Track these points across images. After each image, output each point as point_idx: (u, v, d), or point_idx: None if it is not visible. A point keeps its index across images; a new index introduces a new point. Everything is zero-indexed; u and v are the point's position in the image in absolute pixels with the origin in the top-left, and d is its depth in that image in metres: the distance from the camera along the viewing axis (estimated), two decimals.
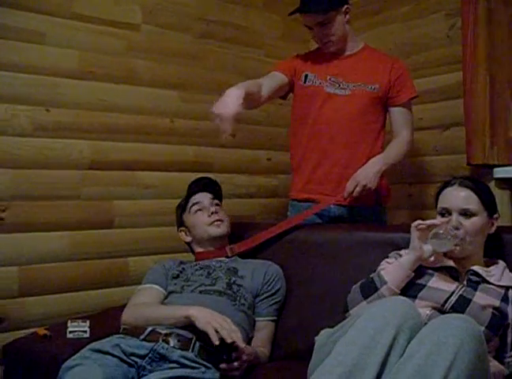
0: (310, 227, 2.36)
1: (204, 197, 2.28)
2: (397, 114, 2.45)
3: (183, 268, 2.16)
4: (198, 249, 2.28)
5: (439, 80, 2.83)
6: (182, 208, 2.32)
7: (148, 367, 1.67)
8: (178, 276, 2.12)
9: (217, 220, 2.22)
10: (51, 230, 2.35)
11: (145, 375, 1.65)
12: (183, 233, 2.32)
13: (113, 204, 2.53)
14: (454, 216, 1.79)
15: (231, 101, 2.04)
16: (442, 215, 1.83)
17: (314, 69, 2.49)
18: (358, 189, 2.27)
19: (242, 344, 1.68)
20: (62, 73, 2.39)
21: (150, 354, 1.69)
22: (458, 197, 1.81)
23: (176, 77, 2.76)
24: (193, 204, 2.27)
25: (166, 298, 2.05)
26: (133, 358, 1.68)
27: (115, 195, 2.54)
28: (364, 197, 2.30)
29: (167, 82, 2.72)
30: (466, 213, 1.78)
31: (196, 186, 2.34)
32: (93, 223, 2.48)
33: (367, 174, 2.29)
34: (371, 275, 1.81)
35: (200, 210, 2.25)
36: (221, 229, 2.23)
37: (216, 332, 1.66)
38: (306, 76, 2.48)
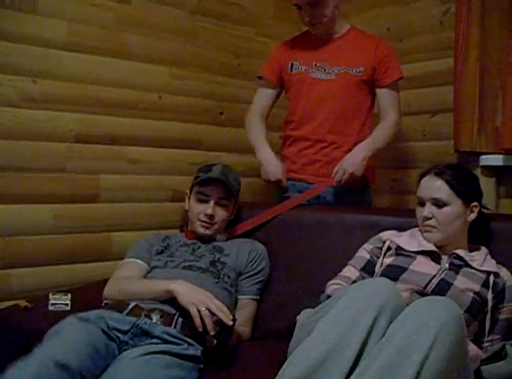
0: (294, 208, 2.36)
1: (213, 192, 2.15)
2: (383, 95, 2.45)
3: (168, 244, 2.15)
4: (189, 227, 2.24)
5: (430, 65, 2.82)
6: (195, 179, 2.21)
7: (131, 342, 1.67)
8: (162, 252, 2.12)
9: (208, 223, 2.14)
10: (36, 202, 2.34)
11: (127, 350, 1.64)
12: (186, 197, 2.26)
13: (98, 178, 2.52)
14: (427, 206, 1.82)
15: (274, 169, 2.42)
16: (420, 204, 1.87)
17: (300, 56, 2.50)
18: (345, 176, 2.30)
19: (229, 322, 1.69)
20: (51, 43, 2.36)
21: (132, 330, 1.69)
22: (431, 187, 1.83)
23: (166, 53, 2.74)
24: (199, 193, 2.16)
25: (149, 272, 2.05)
26: (115, 332, 1.67)
27: (101, 169, 2.53)
28: (355, 179, 2.33)
29: (157, 57, 2.70)
30: (438, 203, 1.80)
31: (211, 175, 2.16)
32: (78, 196, 2.46)
33: (354, 161, 2.31)
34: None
35: (202, 201, 2.15)
36: (207, 232, 2.15)
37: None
38: (292, 64, 2.51)
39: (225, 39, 3.00)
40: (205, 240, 2.17)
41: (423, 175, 1.89)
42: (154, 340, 1.67)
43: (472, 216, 1.84)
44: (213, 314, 1.69)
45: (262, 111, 2.58)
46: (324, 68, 2.43)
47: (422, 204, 1.85)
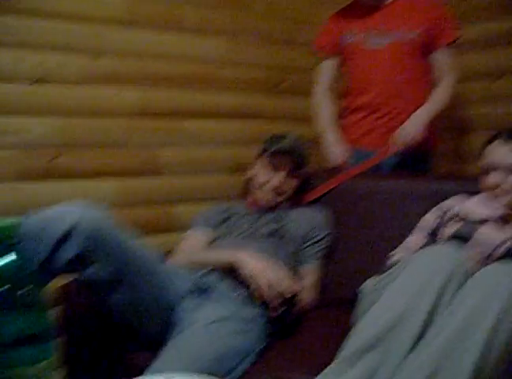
0: (359, 176, 2.35)
1: (282, 164, 2.14)
2: (439, 57, 2.40)
3: (230, 214, 2.17)
4: (253, 196, 2.24)
5: (494, 25, 2.72)
6: (264, 149, 2.20)
7: (191, 295, 1.72)
8: (224, 222, 2.14)
9: (275, 195, 2.15)
10: (100, 177, 2.39)
11: (186, 302, 1.70)
12: (252, 165, 2.26)
13: (160, 152, 2.54)
14: (499, 172, 1.75)
15: (338, 155, 2.46)
16: (488, 170, 1.80)
17: (353, 25, 2.47)
18: (405, 144, 2.28)
19: (292, 292, 1.69)
20: (110, 21, 2.37)
21: (197, 283, 1.74)
22: (503, 152, 1.77)
23: (223, 24, 2.72)
24: (268, 163, 2.15)
25: (212, 243, 2.08)
26: (181, 286, 1.73)
27: (162, 143, 2.55)
28: (415, 146, 2.30)
29: (214, 29, 2.69)
30: (511, 168, 1.74)
31: (282, 146, 2.15)
32: (140, 171, 2.49)
33: (413, 127, 2.29)
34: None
35: (270, 172, 2.15)
36: (273, 203, 2.16)
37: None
38: (346, 34, 2.48)
39: (282, 7, 2.96)
40: (268, 209, 2.18)
41: (490, 141, 1.84)
42: (216, 297, 1.72)
43: None
44: (276, 285, 1.70)
45: (327, 84, 2.56)
46: (378, 35, 2.40)
47: (491, 169, 1.79)
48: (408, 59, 2.39)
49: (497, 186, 1.76)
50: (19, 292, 0.72)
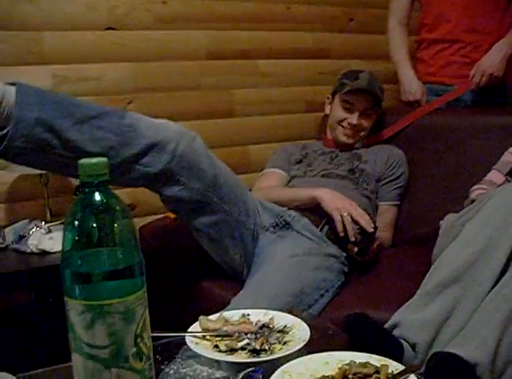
0: (435, 112, 2.30)
1: (359, 102, 2.11)
2: None
3: (306, 153, 2.18)
4: (329, 134, 2.24)
5: None
6: (340, 86, 2.16)
7: (271, 229, 1.75)
8: (301, 161, 2.14)
9: (352, 133, 2.13)
10: (174, 120, 2.40)
11: (265, 235, 1.73)
12: (328, 102, 2.26)
13: (232, 92, 2.55)
14: None
15: (413, 89, 2.37)
16: None
17: None
18: (484, 78, 2.20)
19: (371, 229, 1.70)
20: None
21: (276, 219, 1.77)
22: None
23: None
24: (344, 101, 2.13)
25: (289, 182, 2.09)
26: (260, 214, 1.77)
27: (234, 84, 2.55)
28: (495, 81, 2.21)
29: None
30: None
31: (359, 84, 2.10)
32: (213, 112, 2.51)
33: (493, 61, 2.19)
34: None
35: (346, 109, 2.13)
36: (349, 140, 2.15)
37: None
38: None
39: None
40: (344, 148, 2.17)
41: None
42: (294, 233, 1.74)
43: None
44: (355, 222, 1.70)
45: (401, 18, 2.48)
46: None
47: None
48: None
49: None
50: (110, 226, 0.74)
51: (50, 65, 2.13)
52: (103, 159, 0.75)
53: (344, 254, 1.75)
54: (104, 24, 2.22)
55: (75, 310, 0.73)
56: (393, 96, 2.68)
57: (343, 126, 2.13)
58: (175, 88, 2.41)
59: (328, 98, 2.25)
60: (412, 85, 2.38)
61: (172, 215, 2.07)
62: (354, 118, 2.11)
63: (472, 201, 1.74)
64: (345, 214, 1.72)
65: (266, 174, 2.14)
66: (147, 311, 0.78)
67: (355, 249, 1.71)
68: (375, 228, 1.73)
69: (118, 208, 0.76)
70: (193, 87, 2.45)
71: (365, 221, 1.71)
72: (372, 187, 2.05)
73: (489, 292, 1.30)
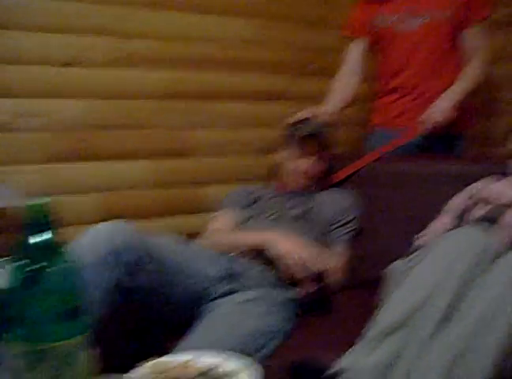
0: (387, 158, 2.35)
1: (308, 146, 2.15)
2: (470, 35, 2.36)
3: (259, 195, 2.19)
4: (282, 180, 2.26)
5: None
6: (289, 134, 2.21)
7: (223, 281, 1.73)
8: (253, 203, 2.15)
9: (305, 176, 2.16)
10: (129, 158, 2.41)
11: (218, 288, 1.71)
12: (278, 150, 2.27)
13: (191, 133, 2.56)
14: None
15: (306, 113, 2.29)
16: None
17: (385, 8, 2.44)
18: (434, 124, 2.25)
19: (323, 268, 1.72)
20: (138, 3, 2.38)
21: (227, 270, 1.75)
22: None
23: (251, 5, 2.70)
24: (294, 148, 2.17)
25: (241, 224, 2.09)
26: (211, 268, 1.74)
27: (191, 125, 2.56)
28: (444, 127, 2.27)
29: (242, 11, 2.67)
30: None
31: (310, 131, 2.16)
32: (170, 152, 2.51)
33: (442, 108, 2.25)
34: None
35: (297, 156, 2.16)
36: (304, 184, 2.18)
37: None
38: (378, 17, 2.45)
39: None
40: (296, 192, 2.19)
41: None
42: (247, 282, 1.72)
43: None
44: (307, 262, 1.71)
45: (352, 67, 2.53)
46: (411, 17, 2.37)
47: None
48: (441, 40, 2.37)
49: None
50: (53, 268, 0.74)
51: (1, 99, 2.11)
52: (48, 200, 0.74)
53: (295, 298, 1.75)
54: (62, 60, 2.21)
55: (14, 353, 0.71)
56: (345, 141, 2.74)
57: (294, 173, 2.16)
58: (128, 127, 2.40)
59: (278, 146, 2.28)
60: (316, 110, 2.34)
61: None
62: (305, 164, 2.14)
63: (420, 247, 1.78)
64: (296, 256, 1.72)
65: (218, 216, 2.14)
66: (89, 355, 0.76)
67: (307, 290, 1.71)
68: (328, 266, 1.74)
69: (60, 249, 0.75)
70: (147, 126, 2.45)
71: (317, 260, 1.72)
72: (325, 230, 2.07)
73: (433, 337, 1.31)
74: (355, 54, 2.54)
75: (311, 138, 2.14)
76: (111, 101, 2.34)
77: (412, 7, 2.37)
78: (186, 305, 1.67)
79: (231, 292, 1.70)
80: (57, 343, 0.71)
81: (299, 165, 2.16)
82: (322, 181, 2.27)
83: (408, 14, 2.37)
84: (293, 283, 1.74)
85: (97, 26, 2.29)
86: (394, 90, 2.47)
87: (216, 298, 1.70)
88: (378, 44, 2.51)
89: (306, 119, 2.21)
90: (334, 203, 2.14)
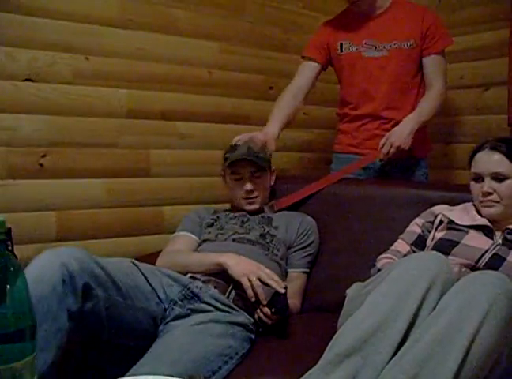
0: (346, 182, 2.37)
1: (245, 170, 2.17)
2: (429, 64, 2.41)
3: (217, 217, 2.19)
4: (234, 203, 2.28)
5: (483, 37, 2.76)
6: (224, 161, 2.23)
7: (179, 303, 1.71)
8: (212, 225, 2.15)
9: (251, 199, 2.18)
10: (89, 177, 2.38)
11: (174, 311, 1.69)
12: (222, 176, 2.30)
13: (149, 152, 2.55)
14: (486, 181, 1.78)
15: (243, 137, 2.27)
16: (476, 180, 1.83)
17: (348, 35, 2.47)
18: (392, 150, 2.27)
19: (282, 289, 1.71)
20: (102, 21, 2.38)
21: (183, 291, 1.73)
22: (489, 161, 1.79)
23: (215, 28, 2.73)
24: (232, 173, 2.19)
25: (199, 245, 2.09)
26: (166, 290, 1.73)
27: (152, 144, 2.55)
28: (402, 152, 2.30)
29: (206, 33, 2.70)
30: (498, 177, 1.76)
31: (242, 156, 2.16)
32: (129, 171, 2.50)
33: (401, 134, 2.28)
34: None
35: (237, 180, 2.19)
36: (254, 206, 2.19)
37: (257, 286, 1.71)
38: (341, 44, 2.48)
39: (273, 13, 2.98)
40: (254, 212, 2.20)
41: (477, 150, 1.85)
42: (203, 305, 1.70)
43: None
44: (265, 284, 1.71)
45: (299, 90, 2.52)
46: (374, 45, 2.41)
47: (479, 179, 1.81)
48: (407, 66, 2.41)
49: (484, 195, 1.78)
50: (7, 287, 0.72)
51: None
52: (2, 218, 0.73)
53: (252, 321, 1.74)
54: (23, 75, 2.19)
55: None
56: (306, 164, 2.76)
57: (242, 197, 2.18)
58: (91, 145, 2.39)
59: (221, 173, 2.30)
60: (255, 136, 2.30)
61: None
62: (247, 185, 2.16)
63: (379, 270, 1.80)
64: (254, 278, 1.72)
65: (176, 237, 2.13)
66: (36, 377, 0.75)
67: (269, 311, 1.70)
68: (286, 288, 1.74)
69: (12, 268, 0.73)
70: (111, 144, 2.44)
71: (275, 282, 1.72)
72: (282, 253, 2.07)
73: (389, 362, 1.32)
74: (305, 74, 2.54)
75: (243, 162, 2.16)
76: (71, 118, 2.32)
77: (376, 36, 2.41)
78: (141, 328, 1.64)
79: (186, 314, 1.68)
80: (2, 366, 0.69)
81: (237, 188, 2.19)
82: (280, 202, 2.29)
83: (372, 43, 2.42)
84: (250, 305, 1.73)
85: (62, 41, 2.28)
86: (358, 117, 2.50)
87: (171, 320, 1.67)
88: (341, 70, 2.54)
89: (235, 145, 2.23)
90: (292, 226, 2.14)
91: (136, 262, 1.76)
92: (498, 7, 2.67)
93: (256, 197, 2.19)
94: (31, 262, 1.48)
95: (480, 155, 1.83)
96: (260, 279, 1.72)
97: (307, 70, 2.54)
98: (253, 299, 1.72)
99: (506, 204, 1.77)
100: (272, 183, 2.31)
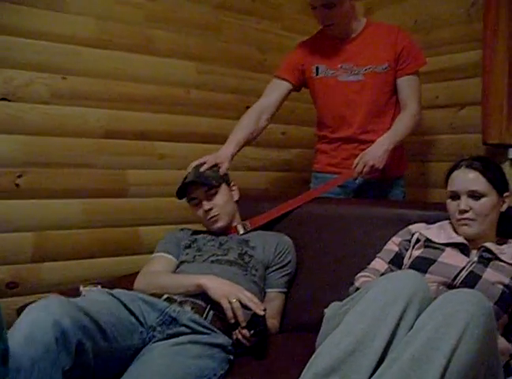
0: (322, 201, 2.37)
1: (198, 192, 2.17)
2: (403, 85, 2.43)
3: (195, 238, 2.18)
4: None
5: (457, 57, 2.80)
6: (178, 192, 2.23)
7: (158, 328, 1.69)
8: (190, 246, 2.14)
9: (213, 217, 2.17)
10: (66, 197, 2.37)
11: (154, 336, 1.67)
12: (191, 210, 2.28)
13: (127, 173, 2.55)
14: (463, 199, 1.80)
15: (203, 159, 2.26)
16: (452, 198, 1.85)
17: (323, 59, 2.49)
18: (366, 169, 2.29)
19: (261, 311, 1.70)
20: (80, 41, 2.38)
21: (161, 316, 1.71)
22: (465, 179, 1.81)
23: (193, 48, 2.75)
24: (191, 199, 2.20)
25: (178, 267, 2.08)
26: (144, 315, 1.70)
27: (129, 164, 2.55)
28: (376, 172, 2.31)
29: (183, 53, 2.72)
30: (474, 195, 1.79)
31: (189, 179, 2.18)
32: (107, 191, 2.49)
33: (375, 154, 2.30)
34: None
35: (196, 205, 2.19)
36: (219, 224, 2.18)
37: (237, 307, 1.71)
38: (317, 68, 2.49)
39: (250, 33, 3.01)
40: (225, 231, 2.20)
41: (453, 169, 1.88)
42: (182, 328, 1.69)
43: (505, 207, 1.84)
44: (244, 306, 1.71)
45: (266, 109, 2.49)
46: (350, 69, 2.43)
47: (455, 197, 1.83)
48: (383, 89, 2.44)
49: (461, 213, 1.80)
50: None
51: None
52: None
53: (230, 342, 1.73)
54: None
55: None
56: (283, 183, 2.76)
57: (204, 216, 2.18)
58: (68, 165, 2.38)
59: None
60: (215, 156, 2.28)
61: (54, 296, 1.99)
62: (204, 205, 2.15)
63: (357, 289, 1.80)
64: (233, 300, 1.72)
65: (155, 258, 2.12)
66: None
67: (248, 333, 1.70)
68: (265, 310, 1.73)
69: None
70: (87, 164, 2.43)
71: (254, 304, 1.72)
72: (261, 273, 2.07)
73: None
74: (274, 94, 2.52)
75: (194, 185, 2.17)
76: (48, 138, 2.32)
77: (351, 60, 2.43)
78: (127, 365, 1.59)
79: (164, 338, 1.67)
80: None
81: (198, 212, 2.19)
82: (254, 220, 2.29)
83: (346, 68, 2.44)
84: (228, 326, 1.72)
85: (39, 61, 2.28)
86: (336, 139, 2.52)
87: (149, 343, 1.66)
88: (316, 93, 2.55)
89: (189, 172, 2.23)
90: (270, 246, 2.14)
91: (115, 293, 1.73)
92: (471, 28, 2.71)
93: (217, 214, 2.17)
94: (19, 318, 1.40)
95: (456, 174, 1.85)
96: (240, 301, 1.72)
97: (278, 89, 2.52)
98: (232, 321, 1.71)
99: (482, 221, 1.79)
100: (236, 198, 2.29)
